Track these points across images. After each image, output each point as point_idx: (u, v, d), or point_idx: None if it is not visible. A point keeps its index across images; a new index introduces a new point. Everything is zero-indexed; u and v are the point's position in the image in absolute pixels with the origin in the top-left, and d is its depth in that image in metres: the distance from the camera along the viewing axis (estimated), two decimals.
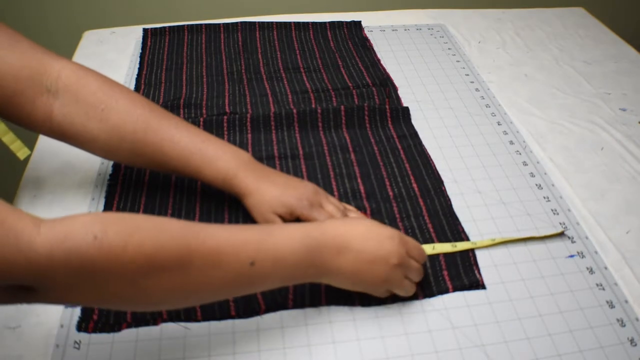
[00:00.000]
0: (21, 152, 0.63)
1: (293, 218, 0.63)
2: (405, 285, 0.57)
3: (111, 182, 0.73)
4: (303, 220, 0.63)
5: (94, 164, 0.76)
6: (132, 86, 0.92)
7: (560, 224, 0.69)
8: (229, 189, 0.64)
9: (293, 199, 0.63)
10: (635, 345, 0.56)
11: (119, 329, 0.56)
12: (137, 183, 0.73)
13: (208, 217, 0.68)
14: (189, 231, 0.48)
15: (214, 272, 0.47)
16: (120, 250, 0.43)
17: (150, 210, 0.69)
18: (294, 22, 1.10)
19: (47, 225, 0.42)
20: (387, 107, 0.85)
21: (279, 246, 0.51)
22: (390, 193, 0.72)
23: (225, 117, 0.82)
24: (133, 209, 0.69)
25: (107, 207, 0.69)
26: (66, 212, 0.68)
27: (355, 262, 0.54)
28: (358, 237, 0.54)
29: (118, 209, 0.69)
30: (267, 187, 0.63)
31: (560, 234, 0.67)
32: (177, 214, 0.68)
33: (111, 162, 0.76)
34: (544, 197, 0.73)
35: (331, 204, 0.65)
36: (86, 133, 0.62)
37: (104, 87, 0.63)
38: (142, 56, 0.99)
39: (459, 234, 0.67)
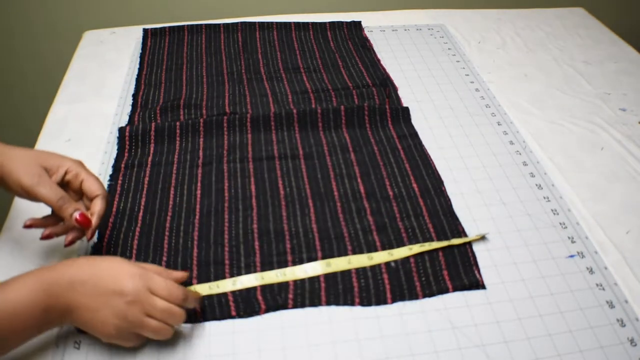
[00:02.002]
0: None
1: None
2: (150, 324, 0.51)
3: (111, 182, 0.73)
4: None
5: (93, 164, 0.76)
6: (132, 86, 0.92)
7: (560, 224, 0.69)
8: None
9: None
10: (635, 345, 0.56)
11: None
12: (137, 183, 0.73)
13: (208, 217, 0.68)
14: None
15: None
16: None
17: (150, 210, 0.69)
18: (294, 22, 1.10)
19: None
20: (387, 107, 0.85)
21: (13, 304, 0.48)
22: (390, 193, 0.72)
23: (225, 117, 0.82)
24: (133, 209, 0.69)
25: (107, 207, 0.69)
26: None
27: (90, 297, 0.50)
28: (94, 272, 0.51)
29: (118, 209, 0.69)
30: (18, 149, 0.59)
31: (482, 238, 0.66)
32: (177, 215, 0.68)
33: (111, 163, 0.76)
34: (544, 197, 0.73)
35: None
36: None
37: None
38: (142, 56, 0.99)
39: (459, 234, 0.67)
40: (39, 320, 0.49)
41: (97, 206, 0.58)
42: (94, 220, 0.58)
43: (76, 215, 0.57)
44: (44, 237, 0.58)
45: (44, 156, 0.58)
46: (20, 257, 0.63)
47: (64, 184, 0.59)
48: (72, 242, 0.58)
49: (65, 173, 0.58)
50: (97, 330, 0.51)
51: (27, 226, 0.58)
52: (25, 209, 0.69)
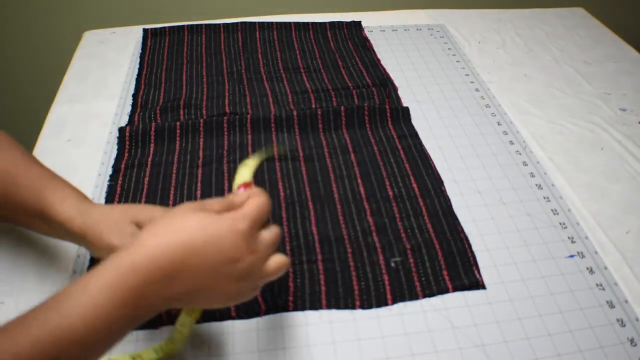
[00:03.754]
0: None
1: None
2: (270, 268, 0.46)
3: (111, 182, 0.73)
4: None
5: (93, 165, 0.76)
6: (132, 86, 0.92)
7: (560, 224, 0.69)
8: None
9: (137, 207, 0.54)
10: (635, 345, 0.56)
11: None
12: (137, 183, 0.73)
13: None
14: None
15: None
16: None
17: None
18: (294, 22, 1.10)
19: None
20: (387, 107, 0.85)
21: (84, 320, 0.38)
22: (390, 193, 0.72)
23: (225, 117, 0.82)
24: None
25: None
26: None
27: (197, 279, 0.42)
28: (190, 248, 0.42)
29: None
30: (106, 208, 0.54)
31: None
32: None
33: (111, 163, 0.76)
34: (544, 197, 0.73)
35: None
36: None
37: None
38: (142, 56, 0.99)
39: (458, 234, 0.67)
40: (129, 323, 0.41)
41: None
42: None
43: None
44: None
45: (132, 211, 0.53)
46: (21, 256, 0.63)
47: None
48: None
49: None
50: (215, 303, 0.46)
51: None
52: None
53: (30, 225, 0.57)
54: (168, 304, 0.43)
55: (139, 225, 0.52)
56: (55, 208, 0.52)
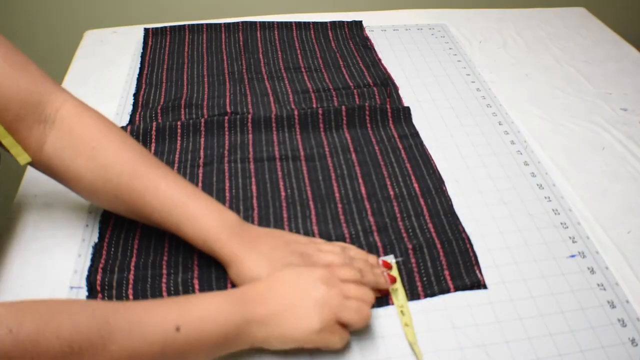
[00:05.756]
0: (21, 157, 0.58)
1: None
2: (352, 305, 0.53)
3: None
4: None
5: None
6: (133, 86, 0.92)
7: (562, 224, 0.69)
8: (210, 253, 0.59)
9: (282, 267, 0.57)
10: (637, 345, 0.56)
11: None
12: None
13: None
14: (106, 308, 0.47)
15: (137, 344, 0.45)
16: (37, 339, 0.41)
17: None
18: (295, 22, 1.10)
19: None
20: (388, 106, 0.85)
21: (203, 305, 0.50)
22: (391, 193, 0.72)
23: (226, 117, 0.82)
24: None
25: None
26: (67, 212, 0.68)
27: (286, 295, 0.52)
28: (281, 279, 0.54)
29: None
30: (253, 257, 0.57)
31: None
32: None
33: None
34: (545, 197, 0.73)
35: (328, 252, 0.59)
36: (73, 169, 0.59)
37: (99, 126, 0.61)
38: (143, 56, 0.99)
39: (460, 234, 0.67)
40: (230, 329, 0.50)
41: None
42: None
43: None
44: None
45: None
46: (21, 256, 0.63)
47: None
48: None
49: None
50: (300, 329, 0.51)
51: None
52: (27, 208, 0.69)
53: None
54: (259, 326, 0.51)
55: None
56: (189, 239, 0.60)
